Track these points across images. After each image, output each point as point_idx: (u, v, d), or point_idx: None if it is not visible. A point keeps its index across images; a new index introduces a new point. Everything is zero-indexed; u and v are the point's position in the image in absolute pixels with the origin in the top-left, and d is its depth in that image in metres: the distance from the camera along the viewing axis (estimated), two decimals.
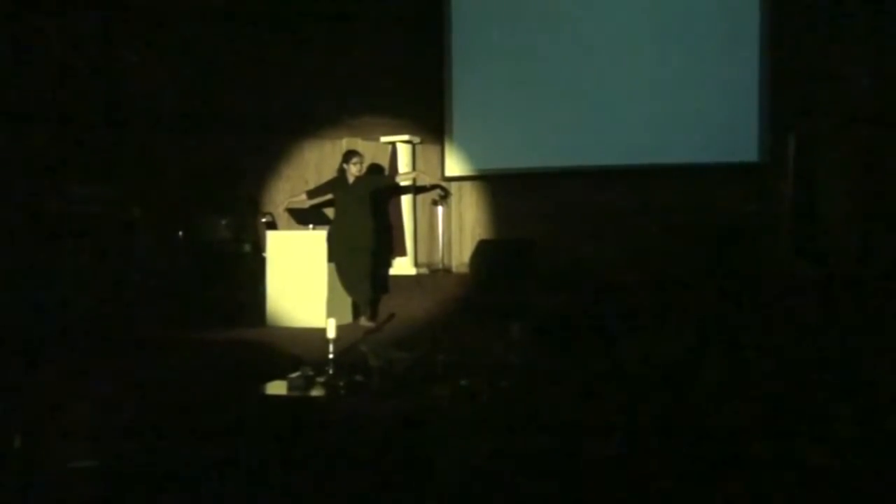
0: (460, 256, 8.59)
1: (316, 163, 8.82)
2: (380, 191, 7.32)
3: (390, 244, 8.21)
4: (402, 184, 8.05)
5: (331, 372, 4.27)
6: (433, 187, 8.46)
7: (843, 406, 3.66)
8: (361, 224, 6.76)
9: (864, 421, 3.49)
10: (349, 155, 6.86)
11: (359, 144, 8.31)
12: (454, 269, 8.54)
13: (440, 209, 8.47)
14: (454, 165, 8.65)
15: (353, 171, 6.79)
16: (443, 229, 8.52)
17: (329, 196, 7.05)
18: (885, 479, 3.06)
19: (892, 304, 5.94)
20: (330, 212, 7.14)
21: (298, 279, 6.89)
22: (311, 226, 7.06)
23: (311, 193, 7.11)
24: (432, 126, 8.63)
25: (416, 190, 8.44)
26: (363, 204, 6.79)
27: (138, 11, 8.86)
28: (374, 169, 8.17)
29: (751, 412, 3.62)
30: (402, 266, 8.30)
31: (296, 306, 6.86)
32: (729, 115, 7.66)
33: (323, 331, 4.45)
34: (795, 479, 3.08)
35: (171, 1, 8.93)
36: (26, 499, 3.24)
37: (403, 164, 8.28)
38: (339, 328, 4.55)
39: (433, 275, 8.33)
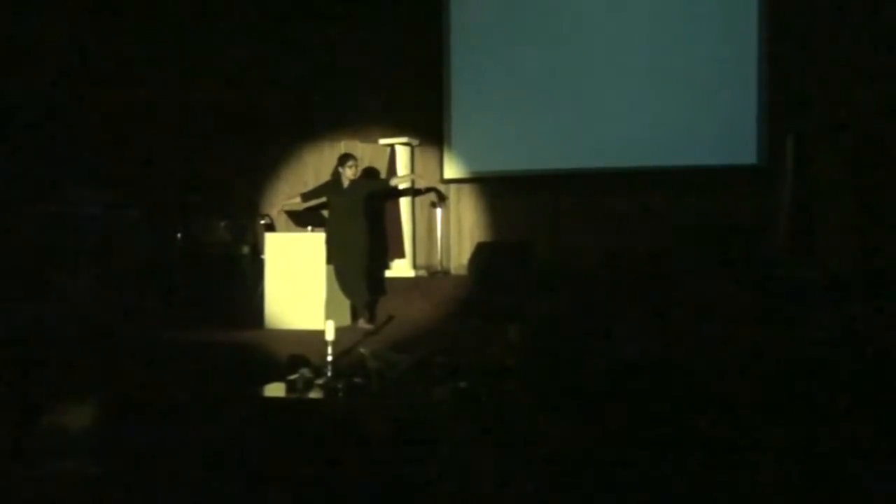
0: (459, 259, 8.58)
1: (315, 165, 8.83)
2: (375, 194, 7.33)
3: (386, 246, 8.21)
4: (400, 186, 8.05)
5: (329, 374, 4.26)
6: (428, 190, 8.47)
7: (840, 407, 3.66)
8: (356, 227, 6.77)
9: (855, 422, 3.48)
10: (344, 158, 6.86)
11: (357, 147, 8.30)
12: (453, 272, 8.53)
13: (439, 211, 8.47)
14: (453, 168, 8.65)
15: (349, 174, 6.79)
16: (441, 232, 8.51)
17: (324, 199, 7.05)
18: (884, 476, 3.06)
19: (891, 304, 5.93)
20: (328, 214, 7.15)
21: (297, 281, 6.88)
22: (309, 228, 7.06)
23: (306, 196, 7.10)
24: (431, 128, 8.63)
25: (412, 192, 8.43)
26: (358, 207, 6.79)
27: (138, 13, 8.88)
28: (370, 172, 8.18)
29: (750, 412, 3.61)
30: (400, 268, 8.30)
31: (294, 308, 6.85)
32: (728, 117, 7.66)
33: (321, 333, 4.44)
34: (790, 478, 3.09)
35: (170, 3, 8.95)
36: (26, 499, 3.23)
37: (402, 166, 8.28)
38: (338, 330, 4.54)
39: (432, 277, 8.32)
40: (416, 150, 8.62)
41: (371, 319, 6.86)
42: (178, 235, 8.26)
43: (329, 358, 4.32)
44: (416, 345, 5.42)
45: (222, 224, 8.32)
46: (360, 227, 6.79)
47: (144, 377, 4.81)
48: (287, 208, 7.35)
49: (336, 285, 6.83)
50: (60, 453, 3.49)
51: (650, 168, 7.87)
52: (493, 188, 8.60)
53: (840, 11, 7.39)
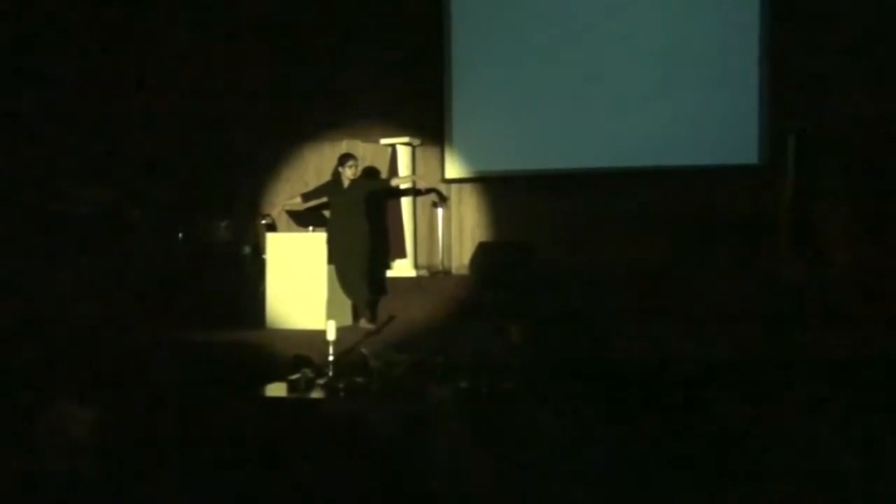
0: (460, 258, 8.58)
1: (316, 165, 8.84)
2: (375, 194, 7.34)
3: (387, 246, 8.22)
4: (401, 186, 8.07)
5: (330, 374, 4.27)
6: (429, 190, 8.48)
7: (839, 406, 3.67)
8: (356, 227, 6.78)
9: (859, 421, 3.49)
10: (344, 158, 6.88)
11: (358, 146, 8.31)
12: (454, 271, 8.53)
13: (440, 211, 8.47)
14: (454, 168, 8.65)
15: (349, 174, 6.80)
16: (443, 231, 8.51)
17: (325, 199, 7.06)
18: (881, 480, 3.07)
19: (891, 305, 5.94)
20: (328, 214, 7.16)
21: (298, 281, 6.89)
22: (310, 228, 7.07)
23: (307, 196, 7.12)
24: (432, 128, 8.62)
25: (413, 192, 8.44)
26: (358, 207, 6.81)
27: (139, 14, 8.90)
28: (370, 172, 8.19)
29: (747, 412, 3.62)
30: (401, 268, 8.30)
31: (296, 308, 6.86)
32: (729, 116, 7.65)
33: (323, 332, 4.45)
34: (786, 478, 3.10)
35: (173, 4, 8.96)
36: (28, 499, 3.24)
37: (403, 166, 8.28)
38: (339, 330, 4.56)
39: (433, 277, 8.32)
40: (417, 150, 8.62)
41: (372, 319, 6.87)
42: (180, 235, 8.27)
43: (330, 358, 4.34)
44: (417, 345, 5.43)
45: (223, 224, 8.33)
46: (361, 227, 6.80)
47: (144, 377, 4.81)
48: (288, 208, 7.36)
49: (337, 285, 6.85)
50: (60, 453, 3.50)
51: (650, 168, 7.87)
52: (494, 188, 8.60)
53: (841, 11, 7.39)
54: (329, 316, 5.84)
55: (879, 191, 7.10)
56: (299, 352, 4.73)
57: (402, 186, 8.11)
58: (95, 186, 8.13)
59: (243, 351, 5.82)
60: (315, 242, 6.91)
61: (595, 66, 8.10)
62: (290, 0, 8.92)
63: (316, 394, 4.11)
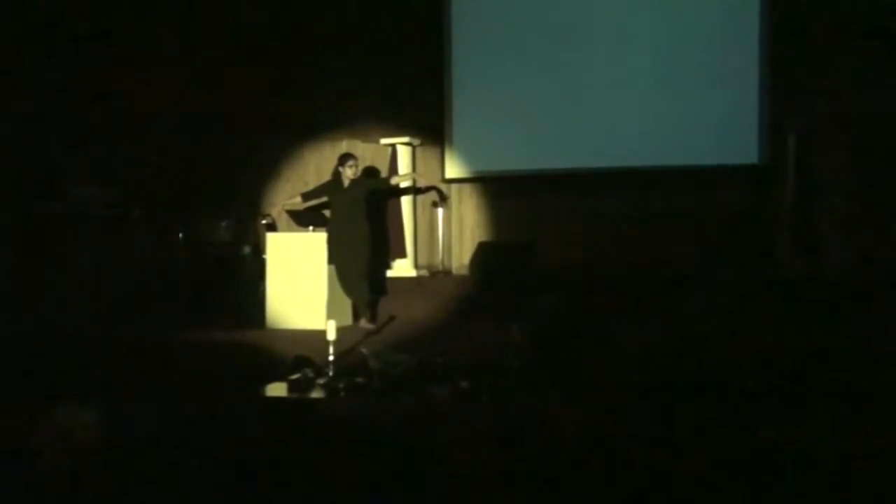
0: (460, 258, 8.59)
1: (316, 165, 8.84)
2: (375, 193, 7.35)
3: (387, 246, 8.22)
4: (402, 185, 8.07)
5: (331, 374, 4.27)
6: (429, 190, 8.48)
7: (837, 407, 3.67)
8: (357, 226, 6.79)
9: (856, 422, 3.49)
10: (344, 158, 6.89)
11: (358, 146, 8.31)
12: (454, 271, 8.54)
13: (440, 211, 8.47)
14: (454, 167, 8.65)
15: (349, 173, 6.81)
16: (443, 231, 8.52)
17: (324, 198, 7.07)
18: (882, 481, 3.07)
19: (890, 305, 5.94)
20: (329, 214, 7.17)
21: (298, 281, 6.89)
22: (310, 227, 7.07)
23: (307, 196, 7.13)
24: (432, 128, 8.63)
25: (413, 192, 8.45)
26: (358, 207, 6.82)
27: (139, 13, 8.90)
28: (371, 171, 8.20)
29: (746, 412, 3.62)
30: (402, 268, 8.30)
31: (296, 308, 6.87)
32: (729, 117, 7.66)
33: (323, 332, 4.45)
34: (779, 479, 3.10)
35: (171, 3, 8.96)
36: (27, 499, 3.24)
37: (403, 166, 8.29)
38: (339, 330, 4.56)
39: (433, 277, 8.33)
40: (418, 150, 8.63)
41: (372, 319, 6.88)
42: (180, 235, 8.27)
43: (331, 358, 4.34)
44: (417, 344, 5.43)
45: (223, 224, 8.33)
46: (361, 226, 6.81)
47: (144, 377, 4.82)
48: (288, 208, 7.37)
49: (337, 285, 6.85)
50: (60, 453, 3.51)
51: (650, 168, 7.87)
52: (494, 188, 8.61)
53: (841, 10, 7.39)
54: (329, 316, 5.85)
55: (879, 190, 7.11)
56: (299, 352, 4.73)
57: (403, 185, 8.11)
58: (95, 186, 8.13)
59: (243, 351, 5.83)
60: (315, 242, 6.92)
61: (595, 66, 8.11)
62: (291, 0, 8.93)
63: (316, 394, 4.11)
